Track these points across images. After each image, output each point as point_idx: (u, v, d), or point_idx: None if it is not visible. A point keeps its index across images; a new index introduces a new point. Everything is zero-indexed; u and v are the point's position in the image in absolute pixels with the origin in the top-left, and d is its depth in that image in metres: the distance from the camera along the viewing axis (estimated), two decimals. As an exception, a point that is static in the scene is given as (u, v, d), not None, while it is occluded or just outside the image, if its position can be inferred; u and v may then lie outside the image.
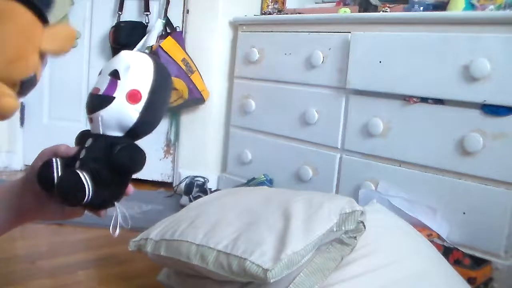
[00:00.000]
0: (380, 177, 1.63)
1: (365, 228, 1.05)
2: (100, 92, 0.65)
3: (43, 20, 0.60)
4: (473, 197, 1.42)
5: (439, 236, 1.40)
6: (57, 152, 0.68)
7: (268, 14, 2.28)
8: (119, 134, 0.66)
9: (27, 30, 0.58)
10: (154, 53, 2.13)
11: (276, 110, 2.01)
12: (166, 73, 0.69)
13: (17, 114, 2.45)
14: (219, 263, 0.99)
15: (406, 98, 1.56)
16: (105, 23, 2.42)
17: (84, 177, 0.62)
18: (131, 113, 0.65)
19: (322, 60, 1.82)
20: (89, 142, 0.66)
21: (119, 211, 0.67)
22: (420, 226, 1.37)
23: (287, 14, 2.14)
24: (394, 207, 1.44)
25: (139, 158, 0.65)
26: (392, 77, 1.58)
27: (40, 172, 0.65)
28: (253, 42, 2.12)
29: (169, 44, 2.19)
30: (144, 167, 0.66)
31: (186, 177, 2.18)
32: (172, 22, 2.31)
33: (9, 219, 0.73)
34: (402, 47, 1.55)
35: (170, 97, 0.72)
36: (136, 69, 0.65)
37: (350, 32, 1.72)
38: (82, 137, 0.68)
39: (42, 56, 0.60)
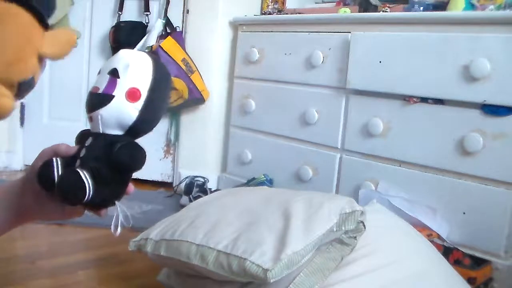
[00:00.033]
0: (380, 177, 1.63)
1: (365, 228, 1.05)
2: (100, 91, 0.65)
3: (44, 24, 0.60)
4: (473, 197, 1.42)
5: (439, 236, 1.40)
6: (57, 151, 0.68)
7: (268, 14, 2.28)
8: (119, 132, 0.66)
9: (27, 33, 0.58)
10: (154, 53, 2.13)
11: (276, 110, 2.01)
12: (165, 71, 0.69)
13: (17, 114, 2.45)
14: (219, 263, 0.99)
15: (406, 98, 1.56)
16: (105, 23, 2.42)
17: (85, 175, 0.62)
18: (131, 111, 0.65)
19: (322, 60, 1.82)
20: (89, 141, 0.66)
21: (120, 210, 0.67)
22: (420, 226, 1.37)
23: (287, 14, 2.14)
24: (394, 207, 1.44)
25: (139, 156, 0.65)
26: (392, 77, 1.58)
27: (40, 171, 0.65)
28: (253, 42, 2.12)
29: (169, 44, 2.19)
30: (144, 167, 0.66)
31: (186, 177, 2.18)
32: (172, 22, 2.31)
33: (9, 219, 0.73)
34: (402, 47, 1.55)
35: (169, 95, 0.72)
36: (135, 67, 0.65)
37: (350, 32, 1.72)
38: (82, 136, 0.68)
39: (41, 59, 0.60)
